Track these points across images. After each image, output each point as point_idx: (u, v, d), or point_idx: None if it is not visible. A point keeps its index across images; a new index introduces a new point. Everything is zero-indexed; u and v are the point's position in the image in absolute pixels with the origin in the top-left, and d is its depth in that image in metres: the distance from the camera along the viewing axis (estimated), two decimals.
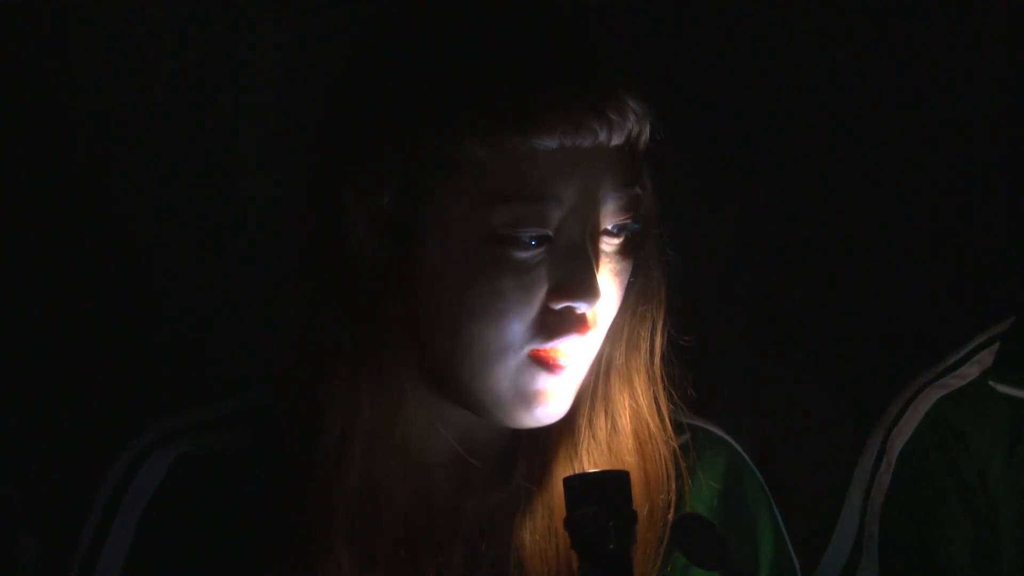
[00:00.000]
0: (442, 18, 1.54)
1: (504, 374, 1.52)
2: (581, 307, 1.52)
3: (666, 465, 1.62)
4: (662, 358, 1.61)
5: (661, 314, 1.61)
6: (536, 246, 1.50)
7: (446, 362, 1.53)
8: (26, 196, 2.31)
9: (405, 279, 1.52)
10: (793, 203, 2.50)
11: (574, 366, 1.54)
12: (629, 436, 1.61)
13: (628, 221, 1.54)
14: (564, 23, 1.55)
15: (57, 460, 2.27)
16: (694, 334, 1.64)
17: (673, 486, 1.62)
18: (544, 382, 1.53)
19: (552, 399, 1.54)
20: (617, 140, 1.52)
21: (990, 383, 1.74)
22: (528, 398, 1.53)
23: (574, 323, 1.52)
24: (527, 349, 1.52)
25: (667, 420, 1.62)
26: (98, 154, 2.32)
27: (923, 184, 2.49)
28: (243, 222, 2.34)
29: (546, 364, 1.53)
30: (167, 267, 2.34)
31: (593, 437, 1.61)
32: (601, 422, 1.61)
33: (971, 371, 1.76)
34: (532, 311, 1.51)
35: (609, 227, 1.53)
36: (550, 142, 1.49)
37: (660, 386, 1.62)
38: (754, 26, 2.47)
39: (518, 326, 1.51)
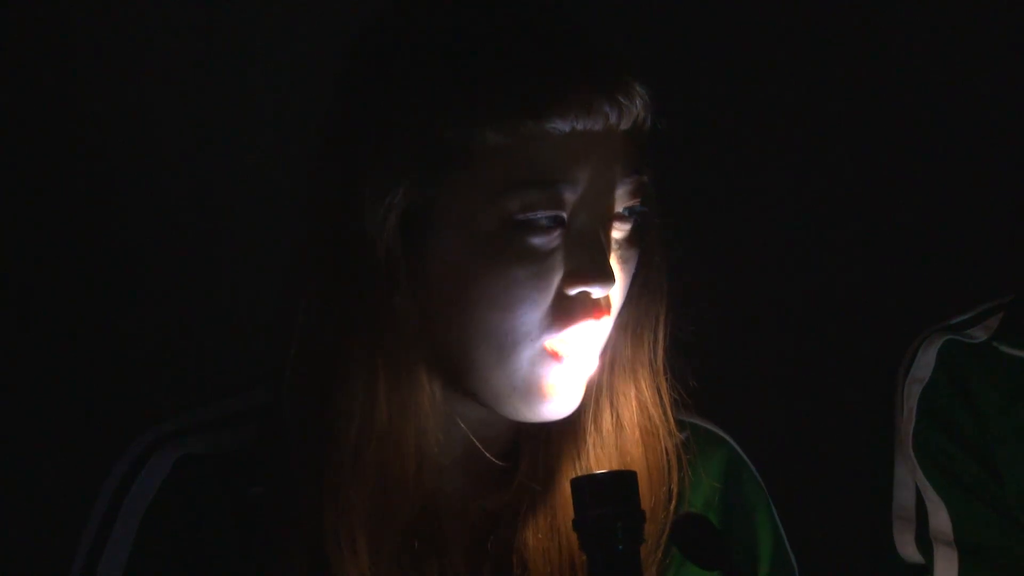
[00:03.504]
0: (449, 8, 1.55)
1: (520, 364, 1.53)
2: (596, 292, 1.53)
3: (668, 457, 1.63)
4: (665, 350, 1.62)
5: (663, 306, 1.62)
6: (551, 231, 1.51)
7: (463, 354, 1.53)
8: (27, 196, 2.30)
9: (420, 272, 1.52)
10: (795, 201, 2.50)
11: (588, 354, 1.55)
12: (633, 428, 1.61)
13: (636, 204, 1.55)
14: (567, 10, 1.57)
15: (57, 460, 2.27)
16: (694, 331, 1.64)
17: (676, 476, 1.63)
18: (559, 372, 1.54)
19: (567, 389, 1.55)
20: (626, 124, 1.53)
21: (994, 343, 1.84)
22: (544, 389, 1.54)
23: (589, 308, 1.53)
24: (543, 338, 1.53)
25: (669, 412, 1.63)
26: (100, 153, 2.32)
27: (924, 185, 2.49)
28: (243, 221, 2.34)
29: (562, 356, 1.54)
30: (166, 266, 2.34)
31: (597, 431, 1.61)
32: (605, 415, 1.61)
33: (978, 334, 1.85)
34: (547, 298, 1.52)
35: (620, 211, 1.54)
36: (563, 126, 1.50)
37: (663, 378, 1.62)
38: (752, 24, 2.48)
39: (534, 314, 1.51)
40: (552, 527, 1.60)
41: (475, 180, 1.50)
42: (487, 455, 1.59)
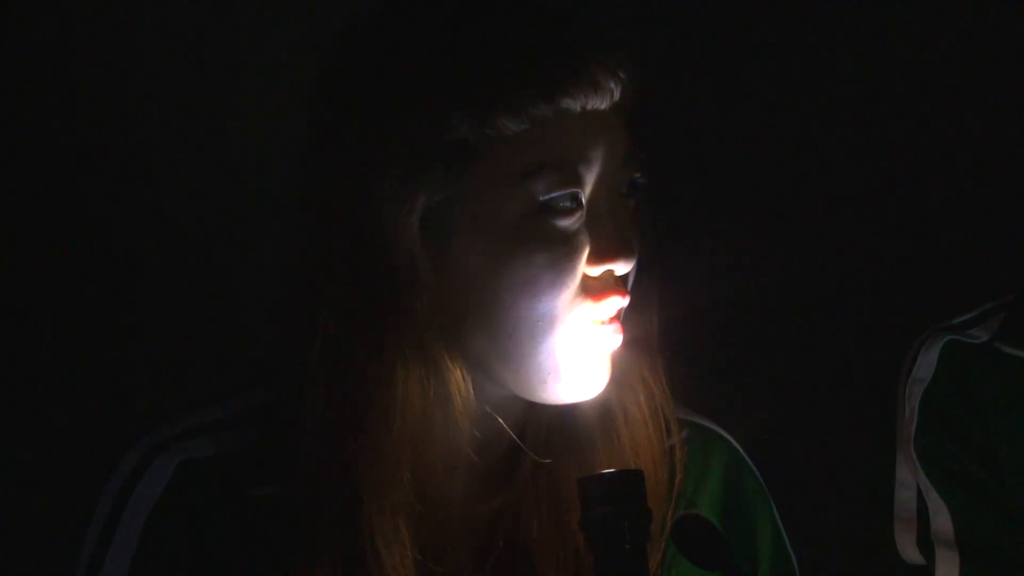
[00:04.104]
0: (448, 4, 1.56)
1: (551, 348, 1.53)
2: (620, 268, 1.55)
3: (673, 449, 1.64)
4: (659, 335, 1.63)
5: (656, 290, 1.62)
6: (573, 212, 1.53)
7: (492, 344, 1.54)
8: (27, 196, 2.30)
9: (444, 268, 1.53)
10: (795, 200, 2.50)
11: (613, 334, 1.56)
12: (637, 411, 1.62)
13: (638, 177, 1.57)
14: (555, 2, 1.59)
15: (57, 461, 2.27)
16: (694, 331, 1.65)
17: (678, 468, 1.64)
18: (588, 353, 1.55)
19: (598, 367, 1.56)
20: (628, 101, 1.56)
21: (995, 343, 1.84)
22: (574, 371, 1.55)
23: (613, 286, 1.55)
24: (572, 320, 1.54)
25: (668, 396, 1.64)
26: (100, 153, 2.32)
27: (924, 185, 2.49)
28: (243, 221, 2.34)
29: (591, 333, 1.55)
30: (166, 267, 2.34)
31: (598, 419, 1.62)
32: (606, 403, 1.61)
33: (980, 334, 1.86)
34: (575, 280, 1.53)
35: (626, 188, 1.56)
36: (574, 105, 1.52)
37: (659, 363, 1.63)
38: (753, 22, 2.48)
39: (563, 296, 1.53)
40: (557, 520, 1.60)
41: (494, 171, 1.52)
42: (518, 441, 1.60)
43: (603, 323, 1.55)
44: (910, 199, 2.49)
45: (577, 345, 1.54)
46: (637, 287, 1.60)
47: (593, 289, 1.54)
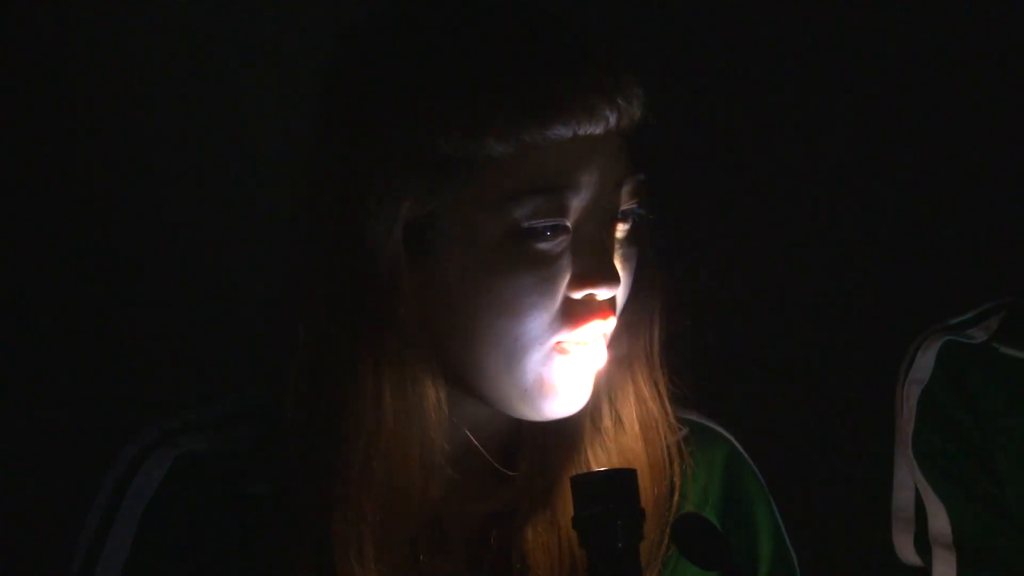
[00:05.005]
0: (444, 18, 1.55)
1: (530, 367, 1.53)
2: (603, 294, 1.53)
3: (669, 453, 1.63)
4: (661, 346, 1.62)
5: (659, 301, 1.62)
6: (557, 236, 1.51)
7: (471, 361, 1.53)
8: (27, 196, 2.31)
9: (425, 281, 1.52)
10: (794, 201, 2.50)
11: (596, 353, 1.55)
12: (632, 424, 1.62)
13: (635, 206, 1.56)
14: (562, 14, 1.57)
15: (57, 459, 2.27)
16: (694, 330, 1.64)
17: (677, 469, 1.63)
18: (568, 371, 1.54)
19: (576, 386, 1.56)
20: (625, 125, 1.54)
21: (994, 344, 1.84)
22: (554, 388, 1.54)
23: (595, 309, 1.53)
24: (552, 341, 1.53)
25: (668, 407, 1.63)
26: (101, 153, 2.32)
27: (923, 185, 2.49)
28: (242, 222, 2.34)
29: (570, 353, 1.54)
30: (166, 267, 2.34)
31: (595, 428, 1.62)
32: (604, 412, 1.62)
33: (978, 334, 1.86)
34: (555, 302, 1.52)
35: (620, 213, 1.55)
36: (566, 131, 1.50)
37: (660, 373, 1.62)
38: (753, 23, 2.48)
39: (544, 318, 1.52)
40: (552, 524, 1.60)
41: (479, 190, 1.51)
42: (488, 458, 1.60)
43: (585, 344, 1.54)
44: (910, 199, 2.49)
45: (556, 365, 1.54)
46: (635, 297, 1.60)
47: (575, 311, 1.53)
